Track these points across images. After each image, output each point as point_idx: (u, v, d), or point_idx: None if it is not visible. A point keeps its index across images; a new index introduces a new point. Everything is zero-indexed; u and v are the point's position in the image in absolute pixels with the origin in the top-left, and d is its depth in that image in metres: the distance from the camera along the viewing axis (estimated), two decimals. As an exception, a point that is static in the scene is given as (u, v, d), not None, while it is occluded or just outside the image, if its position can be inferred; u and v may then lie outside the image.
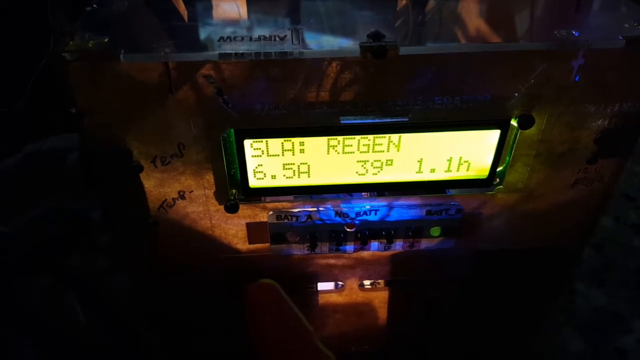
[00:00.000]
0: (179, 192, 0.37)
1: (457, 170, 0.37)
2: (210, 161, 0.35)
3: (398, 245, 0.42)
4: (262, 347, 0.41)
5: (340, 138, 0.35)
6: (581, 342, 0.57)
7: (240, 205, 0.38)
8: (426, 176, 0.37)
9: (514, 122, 0.35)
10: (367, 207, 0.39)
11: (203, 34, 0.35)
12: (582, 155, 0.37)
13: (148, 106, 0.32)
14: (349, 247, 0.41)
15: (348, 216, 0.39)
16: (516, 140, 0.36)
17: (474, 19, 0.37)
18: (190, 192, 0.37)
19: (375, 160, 0.36)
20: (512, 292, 0.46)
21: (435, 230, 0.41)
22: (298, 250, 0.41)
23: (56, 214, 0.42)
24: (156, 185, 0.36)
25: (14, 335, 0.35)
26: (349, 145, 0.35)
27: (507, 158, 0.37)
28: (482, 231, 0.41)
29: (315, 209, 0.39)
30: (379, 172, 0.36)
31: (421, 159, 0.36)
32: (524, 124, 0.34)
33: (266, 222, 0.39)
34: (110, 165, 0.35)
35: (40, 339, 0.37)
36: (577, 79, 0.33)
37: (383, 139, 0.35)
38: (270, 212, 0.39)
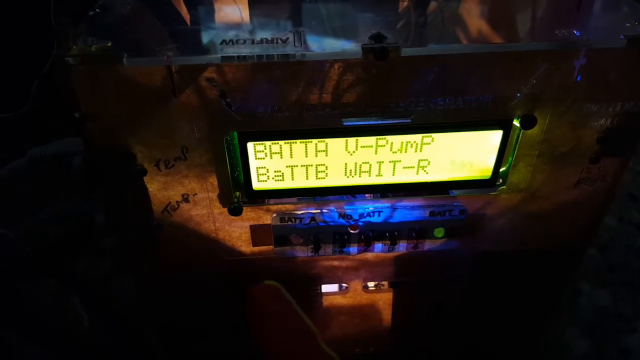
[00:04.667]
0: (182, 195, 0.37)
1: (460, 171, 0.37)
2: (214, 164, 0.35)
3: (402, 247, 0.42)
4: (266, 348, 0.41)
5: (342, 140, 0.35)
6: (585, 342, 0.56)
7: (244, 208, 0.38)
8: (429, 177, 0.37)
9: (516, 123, 0.35)
10: (371, 208, 0.39)
11: (206, 37, 0.35)
12: (584, 155, 0.37)
13: (151, 110, 0.32)
14: (353, 248, 0.41)
15: (351, 218, 0.39)
16: (519, 141, 0.36)
17: (475, 19, 0.38)
18: (194, 195, 0.37)
19: (378, 162, 0.36)
20: (516, 293, 0.46)
21: (439, 231, 0.41)
22: (302, 252, 0.41)
23: (60, 217, 0.42)
24: (160, 189, 0.36)
25: (18, 337, 0.35)
26: (351, 147, 0.35)
27: (510, 158, 0.37)
28: (485, 232, 0.41)
29: (319, 210, 0.39)
30: (382, 173, 0.37)
31: (424, 159, 0.36)
32: (526, 124, 0.34)
33: (270, 224, 0.39)
34: (114, 169, 0.35)
35: (44, 341, 0.37)
36: (578, 79, 0.33)
37: (385, 141, 0.35)
38: (274, 215, 0.39)
